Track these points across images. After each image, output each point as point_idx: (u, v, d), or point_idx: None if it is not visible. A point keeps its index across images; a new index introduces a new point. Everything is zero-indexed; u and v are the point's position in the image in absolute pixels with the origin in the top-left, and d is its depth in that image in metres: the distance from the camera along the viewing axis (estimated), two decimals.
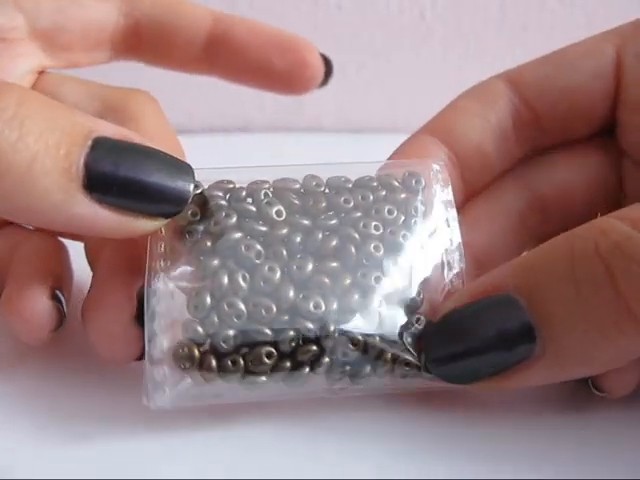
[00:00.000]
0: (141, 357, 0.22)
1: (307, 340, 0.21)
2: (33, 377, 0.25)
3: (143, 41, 0.28)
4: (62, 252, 0.27)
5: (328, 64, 0.29)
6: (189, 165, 0.22)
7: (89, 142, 0.20)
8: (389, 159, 0.26)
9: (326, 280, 0.21)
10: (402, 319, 0.22)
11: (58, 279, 0.25)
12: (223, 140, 0.47)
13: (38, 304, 0.23)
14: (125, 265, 0.24)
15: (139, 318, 0.22)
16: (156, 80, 0.31)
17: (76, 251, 0.27)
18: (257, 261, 0.21)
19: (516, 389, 0.23)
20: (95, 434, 0.23)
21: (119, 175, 0.20)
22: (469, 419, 0.23)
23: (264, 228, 0.22)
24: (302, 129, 0.50)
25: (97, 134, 0.21)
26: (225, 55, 0.29)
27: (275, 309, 0.21)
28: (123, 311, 0.22)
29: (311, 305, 0.21)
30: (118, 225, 0.21)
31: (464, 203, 0.27)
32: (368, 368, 0.21)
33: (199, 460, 0.22)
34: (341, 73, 0.52)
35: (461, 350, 0.21)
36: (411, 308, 0.22)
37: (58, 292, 0.24)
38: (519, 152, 0.27)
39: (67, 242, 0.28)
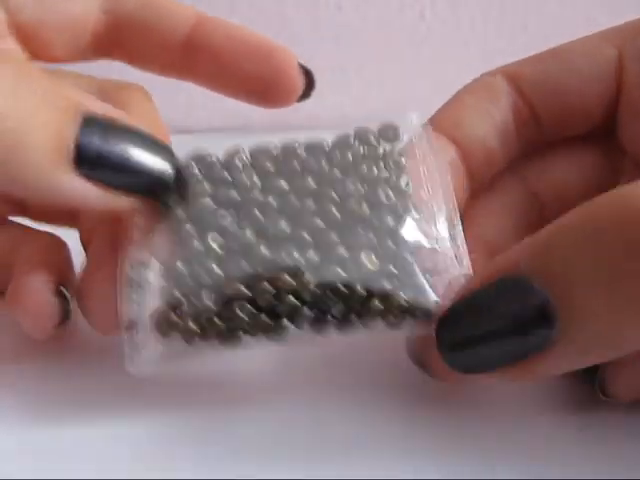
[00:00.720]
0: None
1: (285, 293, 0.21)
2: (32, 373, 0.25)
3: (123, 40, 0.28)
4: (64, 249, 0.27)
5: (309, 76, 0.28)
6: (169, 147, 0.23)
7: (79, 118, 0.21)
8: None
9: (305, 235, 0.22)
10: (387, 269, 0.21)
11: (62, 275, 0.25)
12: (223, 139, 0.47)
13: (42, 298, 0.24)
14: (116, 241, 0.24)
15: None
16: (155, 78, 0.31)
17: (75, 251, 0.27)
18: (229, 224, 0.22)
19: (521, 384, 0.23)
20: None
21: (106, 152, 0.21)
22: (466, 416, 0.23)
23: (237, 194, 0.22)
24: (302, 129, 0.50)
25: (86, 110, 0.21)
26: (201, 61, 0.28)
27: (249, 266, 0.21)
28: (115, 281, 0.23)
29: (285, 256, 0.21)
30: (103, 199, 0.22)
31: (470, 199, 0.27)
32: (353, 317, 0.21)
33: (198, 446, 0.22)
34: (341, 73, 0.52)
35: (474, 335, 0.20)
36: (395, 259, 0.21)
37: (62, 288, 0.24)
38: (518, 148, 0.27)
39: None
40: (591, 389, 0.23)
